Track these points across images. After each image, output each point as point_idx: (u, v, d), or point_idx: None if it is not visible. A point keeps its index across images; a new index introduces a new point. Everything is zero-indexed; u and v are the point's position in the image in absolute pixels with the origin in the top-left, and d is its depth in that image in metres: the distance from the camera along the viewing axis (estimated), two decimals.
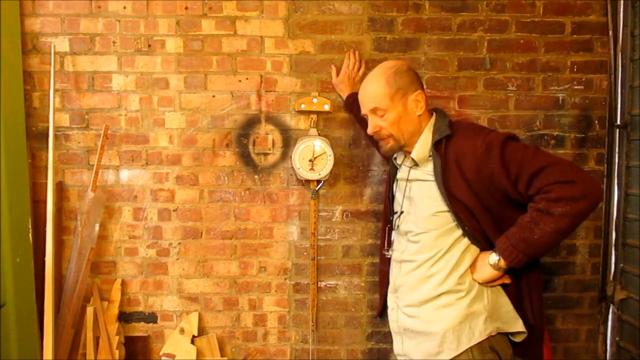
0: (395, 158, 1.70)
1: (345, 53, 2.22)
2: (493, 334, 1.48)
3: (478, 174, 1.43)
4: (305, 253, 2.33)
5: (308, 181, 2.27)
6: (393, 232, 1.70)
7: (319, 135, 2.24)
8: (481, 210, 1.45)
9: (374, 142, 1.87)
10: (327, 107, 2.22)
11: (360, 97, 1.61)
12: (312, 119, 2.25)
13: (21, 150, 2.13)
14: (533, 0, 2.25)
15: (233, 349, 2.36)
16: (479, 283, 1.48)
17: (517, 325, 1.51)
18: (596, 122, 2.30)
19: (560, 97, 2.29)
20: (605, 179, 2.30)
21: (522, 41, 2.26)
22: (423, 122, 1.57)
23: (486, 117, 2.28)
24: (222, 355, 2.32)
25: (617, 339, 2.26)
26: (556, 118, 2.30)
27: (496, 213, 1.47)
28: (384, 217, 1.80)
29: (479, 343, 1.46)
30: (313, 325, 2.34)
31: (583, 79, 2.29)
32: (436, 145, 1.51)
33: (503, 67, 2.27)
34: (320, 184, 2.29)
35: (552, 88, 2.28)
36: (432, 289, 1.50)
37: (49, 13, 2.22)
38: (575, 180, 1.34)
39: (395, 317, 1.61)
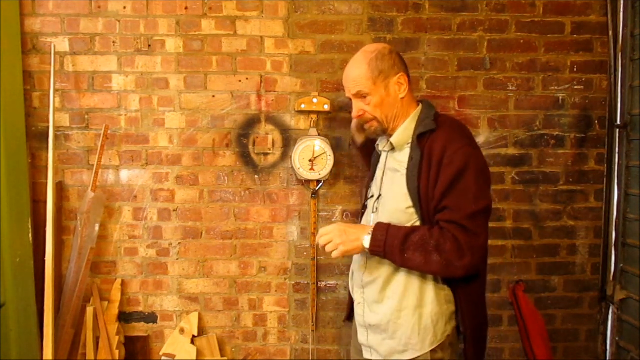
0: (378, 145, 1.69)
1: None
2: (449, 332, 1.51)
3: (436, 177, 1.43)
4: (305, 253, 2.33)
5: (308, 181, 2.27)
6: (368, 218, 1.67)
7: (319, 135, 2.24)
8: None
9: (354, 142, 1.86)
10: (327, 107, 2.22)
11: (344, 81, 1.60)
12: (312, 119, 2.25)
13: (21, 150, 2.13)
14: (533, 0, 2.25)
15: (233, 349, 2.36)
16: (338, 249, 1.46)
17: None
18: (596, 122, 2.30)
19: (560, 97, 2.29)
20: (605, 179, 2.31)
21: (522, 41, 2.26)
22: (408, 107, 1.55)
23: (486, 117, 2.29)
24: (222, 355, 2.32)
25: (617, 339, 2.26)
26: (556, 118, 2.30)
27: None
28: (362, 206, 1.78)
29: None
30: (313, 325, 2.34)
31: (583, 79, 2.29)
32: (419, 138, 1.49)
33: (503, 67, 2.27)
34: (320, 184, 2.29)
35: (552, 88, 2.28)
36: (399, 287, 1.50)
37: (49, 13, 2.22)
38: (469, 256, 1.37)
39: (362, 311, 1.59)
